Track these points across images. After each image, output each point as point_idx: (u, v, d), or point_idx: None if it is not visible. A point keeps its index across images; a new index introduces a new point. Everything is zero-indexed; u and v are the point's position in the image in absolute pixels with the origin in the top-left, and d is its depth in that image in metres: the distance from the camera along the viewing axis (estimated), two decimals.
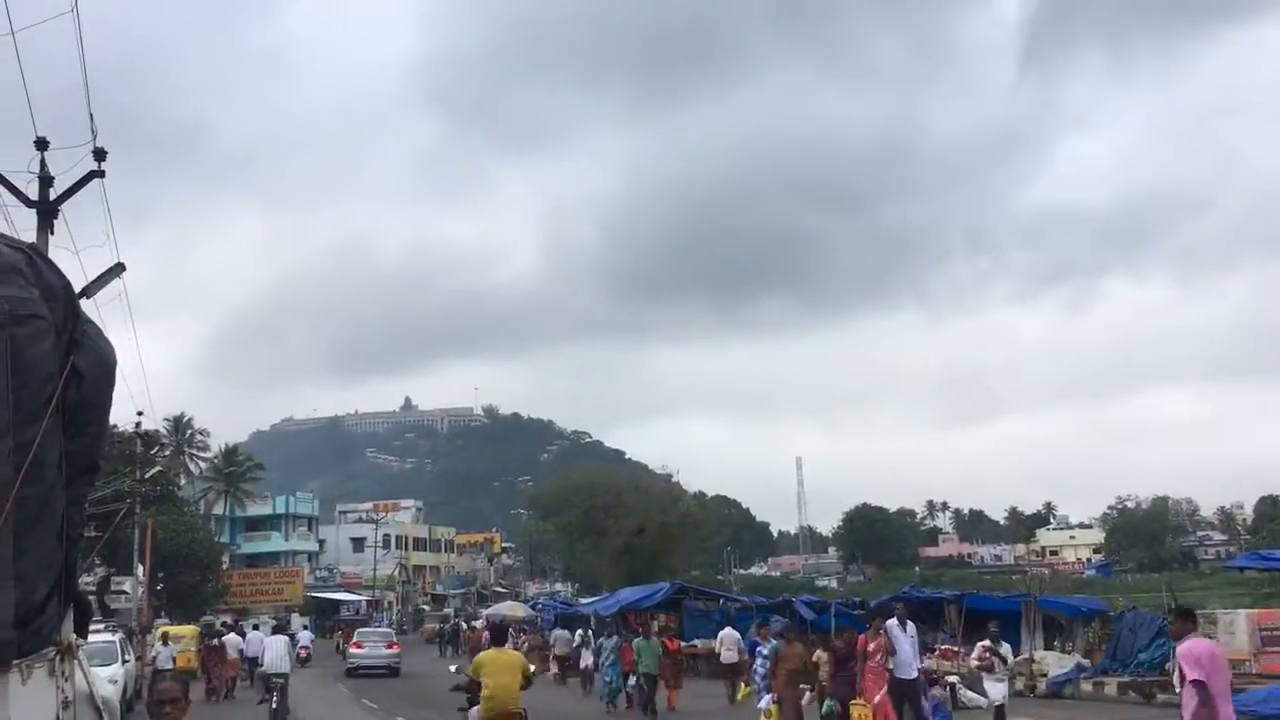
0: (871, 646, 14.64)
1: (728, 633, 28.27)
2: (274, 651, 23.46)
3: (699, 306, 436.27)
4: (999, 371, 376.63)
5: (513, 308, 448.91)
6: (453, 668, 16.77)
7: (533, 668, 12.68)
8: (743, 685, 19.39)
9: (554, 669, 35.45)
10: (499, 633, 13.53)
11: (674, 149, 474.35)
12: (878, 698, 14.22)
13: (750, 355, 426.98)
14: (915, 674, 15.36)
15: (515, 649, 38.01)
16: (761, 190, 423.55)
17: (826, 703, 15.80)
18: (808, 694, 16.41)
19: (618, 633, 26.53)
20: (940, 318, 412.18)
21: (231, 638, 33.29)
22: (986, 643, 17.05)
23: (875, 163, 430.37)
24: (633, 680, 23.37)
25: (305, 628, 50.17)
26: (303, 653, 42.69)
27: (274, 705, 21.09)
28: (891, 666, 14.65)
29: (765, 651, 17.00)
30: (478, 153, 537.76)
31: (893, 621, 15.11)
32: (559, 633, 36.80)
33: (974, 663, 17.41)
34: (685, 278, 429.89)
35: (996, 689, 16.62)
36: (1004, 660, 17.08)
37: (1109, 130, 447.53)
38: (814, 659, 17.33)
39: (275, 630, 29.64)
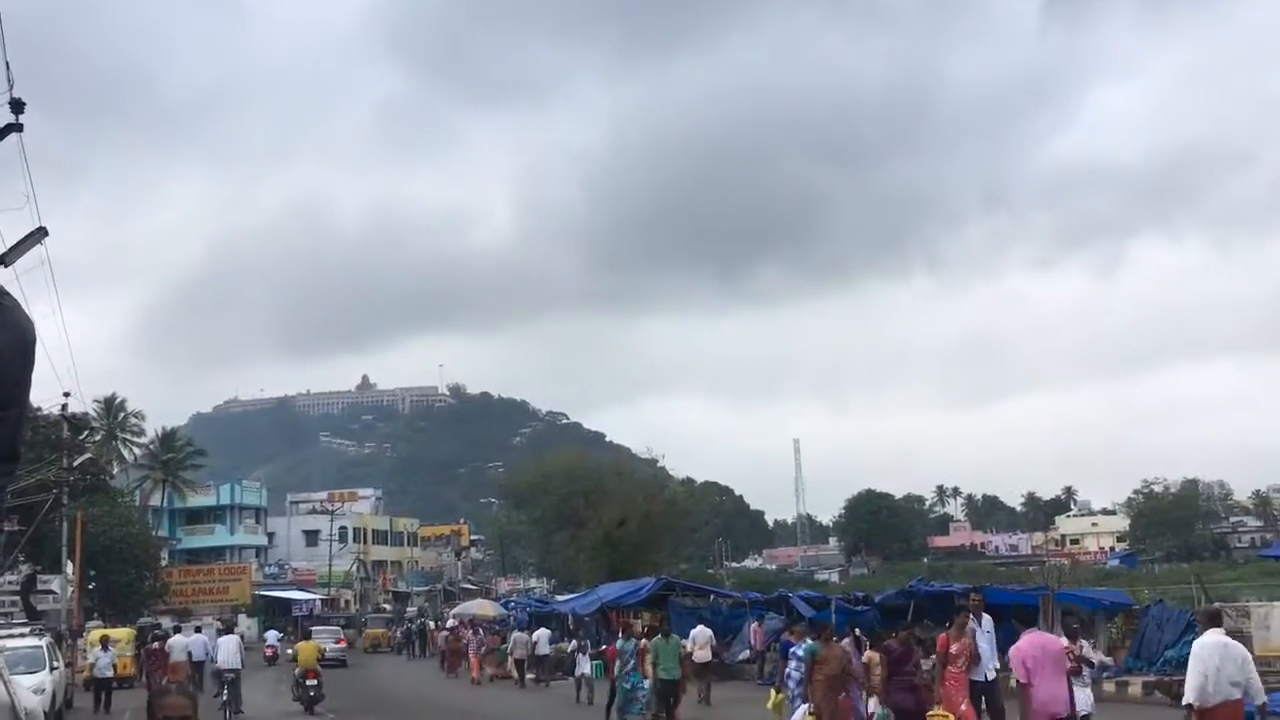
0: (954, 648, 13.61)
1: (700, 631, 28.68)
2: (226, 650, 28.13)
3: (691, 274, 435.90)
4: (1017, 344, 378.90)
5: (484, 276, 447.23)
6: (290, 651, 29.53)
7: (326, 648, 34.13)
8: (773, 691, 18.35)
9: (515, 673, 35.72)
10: (306, 633, 31.03)
11: (664, 101, 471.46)
12: (963, 707, 13.36)
13: (747, 328, 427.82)
14: (992, 675, 14.60)
15: (474, 651, 38.15)
16: (761, 146, 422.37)
17: (879, 712, 15.20)
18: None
19: (633, 634, 25.41)
20: (955, 285, 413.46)
21: (177, 639, 33.71)
22: (1065, 640, 15.53)
23: (886, 115, 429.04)
24: (646, 685, 22.57)
25: (271, 629, 58.72)
26: (269, 652, 49.65)
27: (225, 698, 25.91)
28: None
29: (800, 653, 16.30)
30: (446, 107, 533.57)
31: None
32: (517, 635, 37.04)
33: None
34: (676, 243, 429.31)
35: (1081, 696, 15.05)
36: (1090, 663, 16.00)
37: (1143, 79, 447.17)
38: (865, 660, 16.74)
39: (222, 632, 31.19)
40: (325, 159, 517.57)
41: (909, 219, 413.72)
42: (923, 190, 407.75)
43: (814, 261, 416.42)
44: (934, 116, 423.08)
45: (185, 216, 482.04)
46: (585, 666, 28.31)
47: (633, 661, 22.24)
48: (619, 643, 23.60)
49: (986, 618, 15.29)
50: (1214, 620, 11.25)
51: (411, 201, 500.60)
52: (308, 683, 27.05)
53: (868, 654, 16.91)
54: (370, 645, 59.47)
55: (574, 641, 31.59)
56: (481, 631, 43.33)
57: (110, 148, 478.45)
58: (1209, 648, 10.57)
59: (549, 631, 37.74)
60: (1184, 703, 10.64)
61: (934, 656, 14.92)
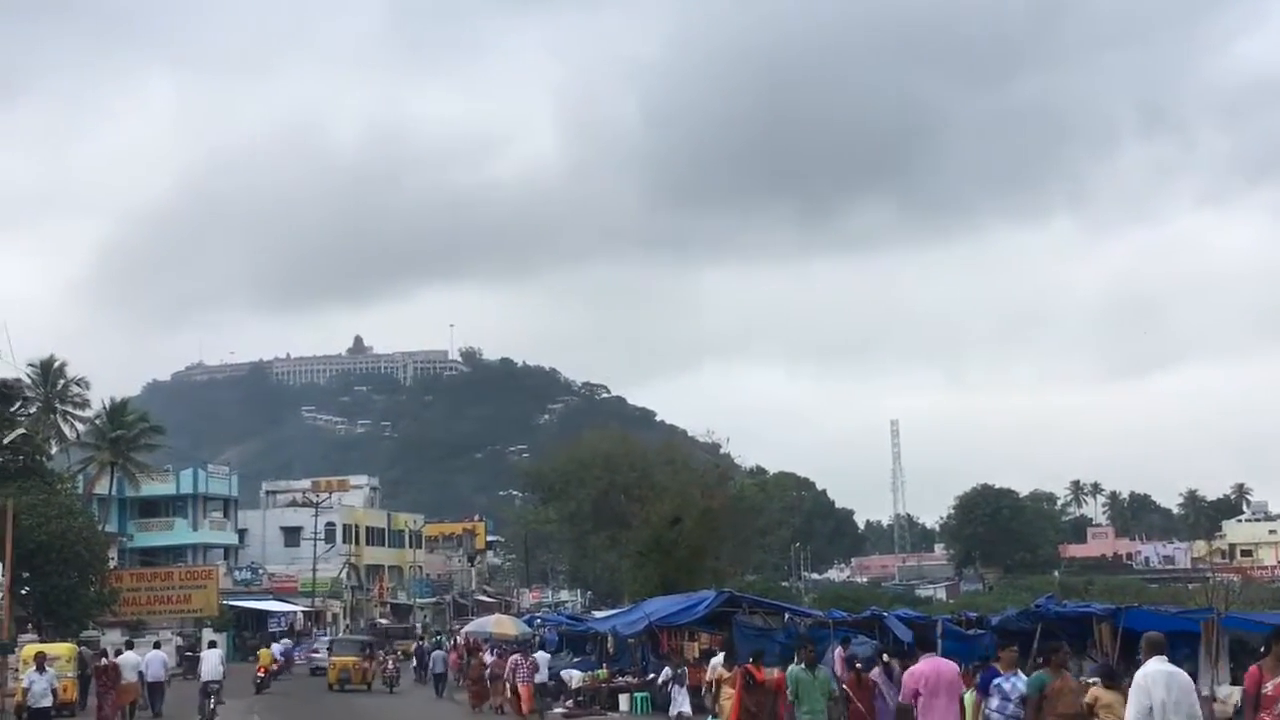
0: (1269, 687, 12.06)
1: (722, 661, 28.53)
2: (209, 664, 35.73)
3: (770, 213, 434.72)
4: (1182, 301, 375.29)
5: (510, 215, 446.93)
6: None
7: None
8: None
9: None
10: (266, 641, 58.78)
11: None
12: None
13: (838, 280, 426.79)
14: None
15: (524, 679, 38.22)
16: (861, 55, 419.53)
17: None
18: None
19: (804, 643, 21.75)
20: (1103, 228, 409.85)
21: (128, 656, 34.57)
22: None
23: (1016, 15, 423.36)
24: None
25: (279, 639, 66.27)
26: (275, 666, 55.06)
27: (211, 707, 33.81)
28: None
29: (1018, 688, 15.12)
30: (472, 3, 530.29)
31: None
32: (514, 657, 37.46)
33: None
34: (753, 174, 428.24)
35: None
36: None
37: None
38: (1089, 699, 15.02)
39: (184, 650, 33.45)
40: (320, 68, 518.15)
41: (1045, 145, 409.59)
42: (1063, 109, 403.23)
43: (924, 198, 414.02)
44: (1079, 15, 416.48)
45: (145, 140, 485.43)
46: (683, 704, 28.16)
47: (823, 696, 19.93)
48: (792, 668, 21.28)
49: None
50: (1157, 648, 12.57)
51: (425, 121, 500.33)
52: (259, 675, 47.43)
53: (1095, 691, 15.41)
54: (337, 679, 50.71)
55: (667, 669, 31.49)
56: (524, 655, 42.84)
57: (59, 51, 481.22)
58: (1153, 677, 12.01)
59: (548, 655, 38.21)
60: None
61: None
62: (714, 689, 24.92)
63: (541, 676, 36.34)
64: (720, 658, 27.32)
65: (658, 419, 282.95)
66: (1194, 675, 22.71)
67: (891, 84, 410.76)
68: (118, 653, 36.01)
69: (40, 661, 29.98)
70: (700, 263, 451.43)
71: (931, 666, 14.30)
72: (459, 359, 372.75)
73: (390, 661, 55.20)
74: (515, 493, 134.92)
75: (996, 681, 15.84)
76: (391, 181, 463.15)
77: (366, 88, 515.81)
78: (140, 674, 33.55)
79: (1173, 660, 17.22)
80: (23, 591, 53.24)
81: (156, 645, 40.12)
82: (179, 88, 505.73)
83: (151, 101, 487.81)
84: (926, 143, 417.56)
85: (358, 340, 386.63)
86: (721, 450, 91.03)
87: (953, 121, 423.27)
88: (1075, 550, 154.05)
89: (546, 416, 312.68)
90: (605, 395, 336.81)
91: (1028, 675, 15.73)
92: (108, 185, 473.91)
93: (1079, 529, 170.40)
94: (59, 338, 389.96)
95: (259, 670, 49.24)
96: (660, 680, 32.65)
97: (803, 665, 19.63)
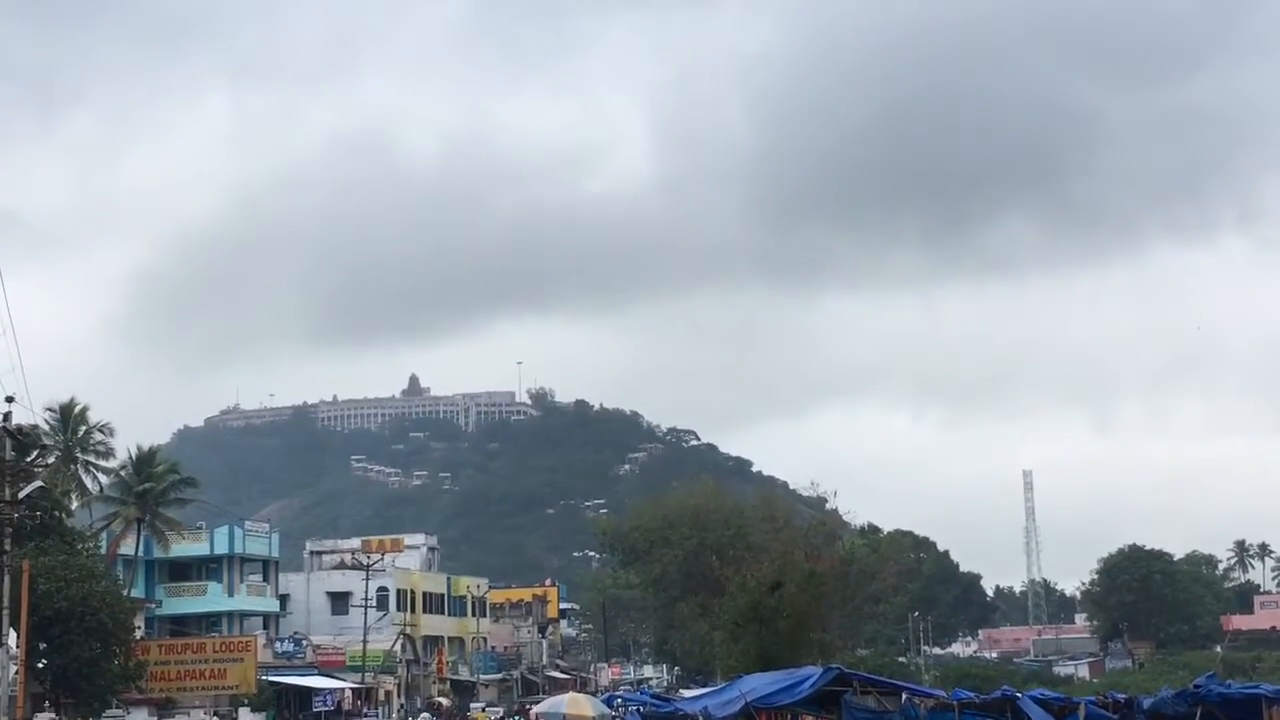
0: None
1: None
2: None
3: (893, 233, 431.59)
4: None
5: (597, 236, 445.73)
6: None
7: None
8: None
9: None
10: None
11: None
12: None
13: (968, 308, 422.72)
14: None
15: None
16: (1006, 49, 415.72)
17: None
18: None
19: None
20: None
21: None
22: None
23: (1188, 8, 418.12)
24: None
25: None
26: None
27: None
28: None
29: None
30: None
31: None
32: None
33: None
34: (875, 188, 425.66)
35: None
36: None
37: None
38: None
39: None
40: (391, 74, 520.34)
41: (1218, 154, 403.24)
42: (1239, 112, 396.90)
43: (1074, 214, 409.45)
44: (1264, 8, 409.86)
45: (193, 155, 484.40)
46: None
47: None
48: None
49: None
50: None
51: (506, 131, 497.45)
52: None
53: None
54: None
55: None
56: None
57: (100, 64, 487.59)
58: None
59: None
60: None
61: None
62: None
63: None
64: None
65: (754, 469, 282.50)
66: None
67: (1042, 80, 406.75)
68: None
69: None
70: (809, 290, 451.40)
71: None
72: (528, 401, 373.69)
73: None
74: (592, 554, 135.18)
75: None
76: (464, 200, 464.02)
77: (441, 95, 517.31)
78: None
79: None
80: (39, 664, 53.86)
81: None
82: (235, 96, 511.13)
83: (204, 112, 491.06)
84: (1081, 150, 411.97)
85: (413, 381, 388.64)
86: (828, 505, 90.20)
87: (1112, 125, 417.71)
88: (1240, 622, 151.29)
89: (627, 467, 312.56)
90: (694, 442, 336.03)
91: None
92: (146, 206, 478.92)
93: (1244, 597, 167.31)
94: (81, 379, 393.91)
95: None
96: None
97: None
